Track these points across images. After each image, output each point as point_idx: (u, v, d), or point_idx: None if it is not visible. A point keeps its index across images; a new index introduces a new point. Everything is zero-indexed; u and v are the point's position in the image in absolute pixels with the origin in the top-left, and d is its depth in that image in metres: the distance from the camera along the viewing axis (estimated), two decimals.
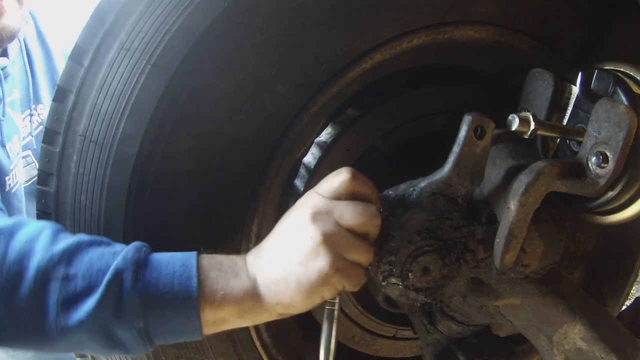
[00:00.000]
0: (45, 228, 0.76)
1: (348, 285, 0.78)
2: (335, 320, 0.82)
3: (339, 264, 0.75)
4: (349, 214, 0.76)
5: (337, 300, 0.82)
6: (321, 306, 0.82)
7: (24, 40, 1.58)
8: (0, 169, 1.46)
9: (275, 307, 0.78)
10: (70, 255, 0.73)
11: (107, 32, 0.80)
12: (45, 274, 0.71)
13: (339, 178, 0.78)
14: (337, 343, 0.85)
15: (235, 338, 1.00)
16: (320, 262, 0.74)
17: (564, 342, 0.90)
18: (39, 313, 0.71)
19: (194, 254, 0.77)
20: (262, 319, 0.81)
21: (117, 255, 0.74)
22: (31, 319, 0.71)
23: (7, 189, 1.47)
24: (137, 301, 0.73)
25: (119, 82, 0.80)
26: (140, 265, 0.74)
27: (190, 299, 0.74)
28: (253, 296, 0.77)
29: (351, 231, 0.77)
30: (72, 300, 0.71)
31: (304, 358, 1.15)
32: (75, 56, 0.82)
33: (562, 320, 0.90)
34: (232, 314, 0.77)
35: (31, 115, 1.57)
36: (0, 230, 0.73)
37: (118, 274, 0.72)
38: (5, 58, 1.49)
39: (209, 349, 0.98)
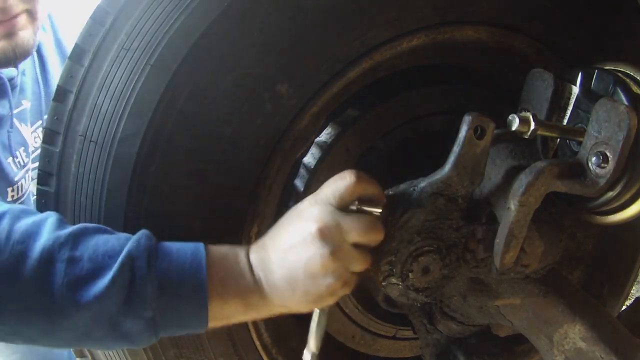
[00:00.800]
0: (52, 215, 0.76)
1: (348, 292, 0.81)
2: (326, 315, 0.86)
3: (346, 279, 0.78)
4: (355, 231, 0.77)
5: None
6: None
7: (39, 49, 1.54)
8: (5, 179, 1.44)
9: (278, 308, 0.80)
10: (75, 238, 0.72)
11: (107, 32, 0.80)
12: (50, 255, 0.70)
13: (343, 183, 0.78)
14: (336, 343, 0.86)
15: (235, 338, 1.00)
16: (330, 280, 0.76)
17: (564, 342, 0.90)
18: (43, 294, 0.69)
19: (201, 245, 0.77)
20: (263, 315, 0.83)
21: (122, 240, 0.74)
22: (35, 300, 0.70)
23: (10, 199, 1.46)
24: (149, 289, 0.72)
25: (119, 82, 0.80)
26: (152, 253, 0.74)
27: (201, 290, 0.74)
28: (259, 296, 0.78)
29: (355, 244, 0.78)
30: (78, 282, 0.70)
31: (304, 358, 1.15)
32: (75, 56, 0.82)
33: (562, 320, 0.90)
34: (238, 309, 0.78)
35: (43, 126, 1.54)
36: (6, 211, 0.73)
37: (130, 259, 0.72)
38: (13, 68, 1.45)
39: (209, 349, 0.97)
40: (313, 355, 0.85)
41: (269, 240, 0.81)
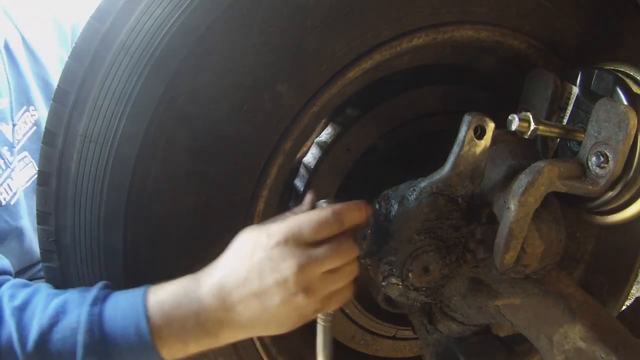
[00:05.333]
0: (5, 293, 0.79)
1: (338, 305, 0.82)
2: (329, 334, 0.85)
3: (324, 304, 0.79)
4: (328, 261, 0.76)
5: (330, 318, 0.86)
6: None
7: (6, 44, 1.53)
8: None
9: (244, 334, 0.81)
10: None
11: (107, 32, 0.80)
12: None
13: (320, 219, 0.77)
14: (335, 343, 0.85)
15: None
16: (305, 310, 0.77)
17: (564, 342, 0.90)
18: None
19: (141, 297, 0.78)
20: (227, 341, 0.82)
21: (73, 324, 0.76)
22: None
23: None
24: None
25: (119, 82, 0.80)
26: (93, 320, 0.76)
27: (148, 347, 0.76)
28: (222, 329, 0.78)
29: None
30: None
31: (303, 358, 1.15)
32: (75, 56, 0.82)
33: (562, 320, 0.90)
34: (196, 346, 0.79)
35: (14, 126, 1.51)
36: None
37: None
38: None
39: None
40: None
41: (226, 274, 0.78)
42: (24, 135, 1.53)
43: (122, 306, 0.77)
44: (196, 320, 0.77)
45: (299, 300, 0.75)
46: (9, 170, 1.48)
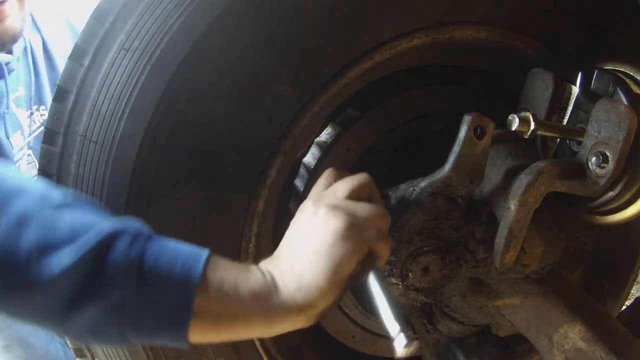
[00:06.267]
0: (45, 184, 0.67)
1: (385, 251, 0.74)
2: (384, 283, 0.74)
3: (371, 233, 0.71)
4: (367, 213, 0.73)
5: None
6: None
7: (30, 43, 1.62)
8: (6, 158, 1.49)
9: (294, 296, 0.68)
10: (62, 206, 0.63)
11: (107, 32, 0.80)
12: (27, 216, 0.60)
13: (358, 180, 0.77)
14: (336, 343, 0.84)
15: None
16: (353, 241, 0.70)
17: (564, 342, 0.90)
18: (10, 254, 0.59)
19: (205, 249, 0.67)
20: (277, 322, 0.69)
21: (112, 219, 0.65)
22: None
23: None
24: (125, 269, 0.61)
25: (119, 82, 0.80)
26: (139, 235, 0.63)
27: (190, 279, 0.63)
28: (267, 288, 0.68)
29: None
30: (48, 250, 0.59)
31: (303, 358, 1.15)
32: (75, 56, 0.82)
33: (562, 320, 0.90)
34: (234, 309, 0.66)
35: (32, 114, 1.60)
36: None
37: (111, 235, 0.61)
38: (8, 54, 1.53)
39: (209, 349, 0.97)
40: (403, 334, 0.66)
41: (283, 254, 0.72)
42: (31, 133, 1.59)
43: (179, 246, 0.66)
44: (244, 272, 0.68)
45: (348, 225, 0.69)
46: (21, 152, 1.55)
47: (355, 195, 0.76)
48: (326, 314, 0.72)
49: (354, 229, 0.70)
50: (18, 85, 1.56)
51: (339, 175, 0.80)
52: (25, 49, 1.62)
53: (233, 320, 0.67)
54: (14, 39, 1.48)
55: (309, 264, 0.69)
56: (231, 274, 0.67)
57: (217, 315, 0.66)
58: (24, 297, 0.60)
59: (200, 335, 0.65)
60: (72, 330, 0.64)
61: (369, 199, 0.78)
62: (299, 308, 0.68)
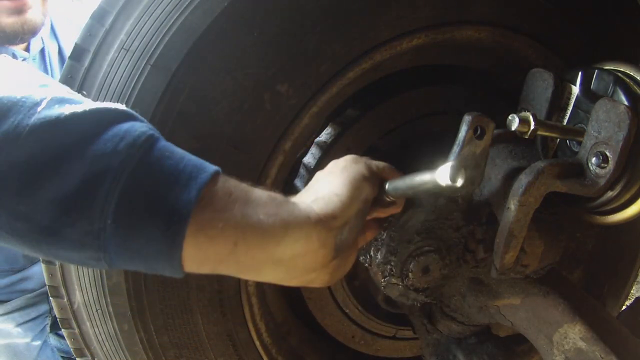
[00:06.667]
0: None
1: (394, 173, 0.79)
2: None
3: (379, 164, 0.78)
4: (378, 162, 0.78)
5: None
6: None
7: (46, 52, 1.65)
8: None
9: (311, 206, 0.64)
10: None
11: (107, 32, 0.81)
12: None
13: (387, 165, 0.80)
14: (335, 343, 0.84)
15: (235, 338, 1.00)
16: (364, 164, 0.75)
17: (564, 342, 0.90)
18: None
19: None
20: (293, 231, 0.61)
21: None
22: None
23: None
24: (134, 143, 0.54)
25: (119, 82, 0.80)
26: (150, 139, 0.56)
27: (199, 174, 0.56)
28: (281, 198, 0.63)
29: None
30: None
31: (303, 358, 1.15)
32: (75, 56, 0.82)
33: (562, 320, 0.90)
34: (244, 210, 0.59)
35: None
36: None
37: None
38: (26, 52, 1.56)
39: (209, 348, 0.97)
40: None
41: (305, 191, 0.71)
42: None
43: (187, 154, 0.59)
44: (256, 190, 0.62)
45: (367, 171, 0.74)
46: None
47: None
48: (347, 247, 0.67)
49: (363, 159, 0.76)
50: None
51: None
52: (42, 50, 1.63)
53: (243, 226, 0.58)
54: (33, 32, 1.48)
55: (324, 182, 0.71)
56: (243, 185, 0.61)
57: (224, 220, 0.57)
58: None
59: (196, 247, 0.56)
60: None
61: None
62: (317, 216, 0.63)
